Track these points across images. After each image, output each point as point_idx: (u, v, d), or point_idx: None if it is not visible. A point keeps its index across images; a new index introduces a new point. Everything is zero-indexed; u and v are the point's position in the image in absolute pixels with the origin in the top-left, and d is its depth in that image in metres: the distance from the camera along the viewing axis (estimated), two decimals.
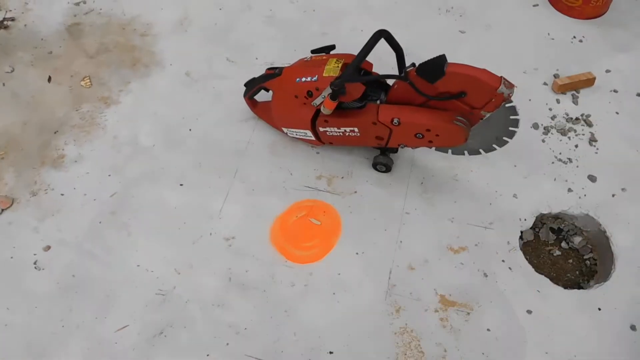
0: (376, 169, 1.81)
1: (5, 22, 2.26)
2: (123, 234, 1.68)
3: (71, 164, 1.84)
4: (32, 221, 1.71)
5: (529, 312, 1.55)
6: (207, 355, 1.46)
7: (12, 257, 1.65)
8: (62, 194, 1.77)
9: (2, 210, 1.74)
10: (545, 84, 2.06)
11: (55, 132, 1.92)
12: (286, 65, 1.74)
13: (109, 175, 1.81)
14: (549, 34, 2.23)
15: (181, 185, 1.79)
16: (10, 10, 2.30)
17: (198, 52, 2.14)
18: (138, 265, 1.62)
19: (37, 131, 1.93)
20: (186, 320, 1.52)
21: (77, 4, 2.32)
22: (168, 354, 1.47)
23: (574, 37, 2.22)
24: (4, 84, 2.06)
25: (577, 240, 1.74)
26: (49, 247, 1.66)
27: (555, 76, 2.07)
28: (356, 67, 1.48)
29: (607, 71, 2.11)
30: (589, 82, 2.04)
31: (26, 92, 2.03)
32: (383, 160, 1.76)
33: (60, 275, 1.61)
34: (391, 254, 1.64)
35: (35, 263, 1.63)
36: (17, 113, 1.97)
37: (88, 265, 1.62)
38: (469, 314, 1.54)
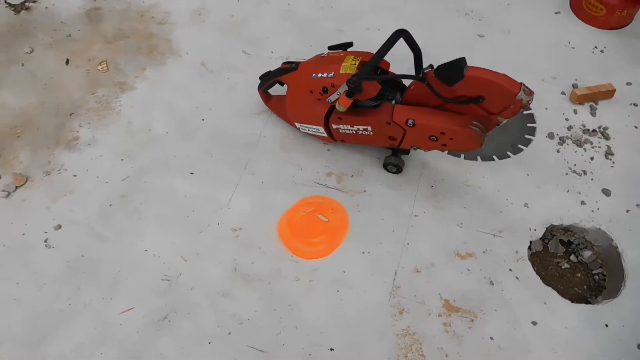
0: (387, 170, 1.83)
1: (27, 4, 2.32)
2: (133, 218, 1.73)
3: (85, 147, 1.89)
4: (45, 200, 1.77)
5: (534, 323, 1.56)
6: (209, 343, 1.50)
7: (23, 234, 1.70)
8: (74, 175, 1.83)
9: (16, 187, 1.79)
10: (563, 93, 2.07)
11: (70, 114, 1.98)
12: (302, 60, 1.77)
13: (122, 160, 1.86)
14: (569, 42, 2.23)
15: (192, 174, 1.83)
16: None
17: (214, 43, 2.18)
18: (146, 250, 1.66)
19: (53, 112, 1.98)
20: (190, 307, 1.56)
21: None
22: (171, 339, 1.51)
23: (595, 47, 2.22)
24: (23, 64, 2.12)
25: (586, 254, 1.75)
26: (60, 227, 1.71)
27: (574, 86, 2.08)
28: (374, 65, 1.50)
29: (628, 84, 2.10)
30: (608, 94, 2.04)
31: (44, 73, 2.09)
32: (394, 161, 1.78)
33: (70, 254, 1.66)
34: (397, 256, 1.67)
35: (46, 241, 1.68)
36: (35, 93, 2.03)
37: (97, 246, 1.67)
38: (472, 320, 1.56)
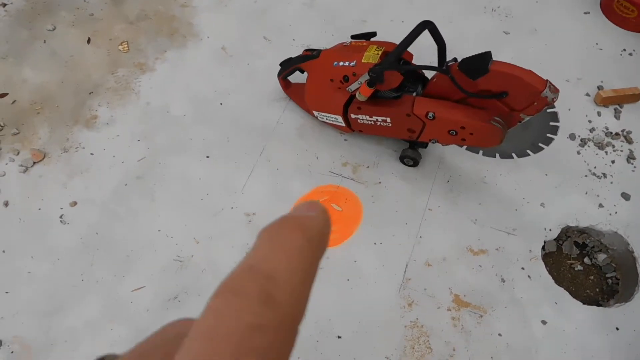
0: (403, 163, 1.86)
1: None
2: (147, 199, 1.78)
3: (103, 126, 1.95)
4: (62, 177, 1.83)
5: (544, 322, 1.59)
6: None
7: (40, 209, 1.76)
8: (91, 154, 1.88)
9: (34, 163, 1.86)
10: (587, 95, 2.07)
11: (90, 93, 2.03)
12: (324, 48, 1.80)
13: (138, 141, 1.91)
14: (597, 43, 2.23)
15: (207, 157, 1.88)
16: None
17: (235, 28, 2.22)
18: (159, 231, 1.72)
19: (73, 90, 2.04)
20: (201, 289, 1.61)
21: None
22: None
23: (624, 49, 2.22)
24: (45, 41, 2.18)
25: (601, 257, 1.76)
26: (75, 203, 1.77)
27: (599, 88, 2.08)
28: (397, 56, 1.52)
29: None
30: (634, 97, 2.04)
31: (65, 51, 2.15)
32: (411, 154, 1.80)
33: (84, 231, 1.72)
34: (409, 248, 1.70)
35: (61, 217, 1.75)
36: (56, 71, 2.09)
37: (111, 224, 1.73)
38: (481, 316, 1.59)
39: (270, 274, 0.21)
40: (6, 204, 1.78)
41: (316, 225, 0.23)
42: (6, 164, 1.86)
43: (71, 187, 1.81)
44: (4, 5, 2.31)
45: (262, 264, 0.21)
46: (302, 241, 0.22)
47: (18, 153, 1.89)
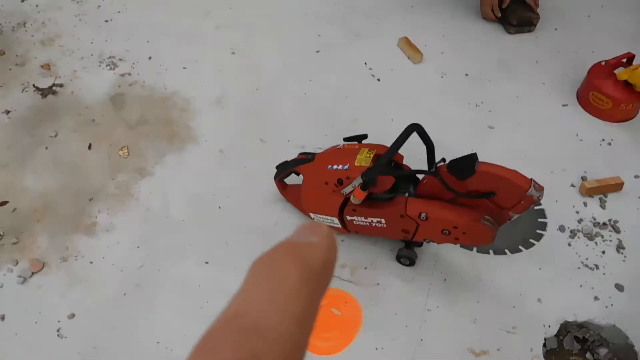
0: (400, 262, 2.01)
1: (54, 88, 2.64)
2: (146, 309, 1.89)
3: (103, 233, 2.10)
4: (60, 287, 1.94)
5: None
6: None
7: (36, 322, 1.86)
8: (91, 262, 2.01)
9: (33, 273, 1.98)
10: (572, 185, 2.29)
11: (90, 200, 2.20)
12: (317, 149, 2.01)
13: (138, 247, 2.06)
14: (577, 134, 2.49)
15: (207, 263, 2.01)
16: (60, 77, 2.69)
17: (232, 131, 2.46)
18: (158, 342, 1.81)
19: (73, 197, 2.21)
20: None
21: (122, 75, 2.71)
22: None
23: (603, 139, 2.48)
24: (46, 148, 2.39)
25: (602, 352, 1.87)
26: (73, 315, 1.87)
27: (583, 178, 2.30)
28: (388, 159, 1.70)
29: (636, 177, 2.33)
30: (617, 186, 2.26)
31: (67, 157, 2.35)
32: (407, 253, 1.96)
33: (82, 345, 1.80)
34: (411, 352, 1.80)
35: (58, 330, 1.84)
36: (56, 177, 2.28)
37: (109, 337, 1.82)
38: None
39: (258, 324, 0.17)
40: (2, 317, 1.87)
41: (318, 254, 0.19)
42: (4, 274, 1.97)
43: (69, 298, 1.92)
44: (8, 112, 2.54)
45: (249, 310, 0.17)
46: (300, 277, 0.18)
47: (17, 263, 2.01)
